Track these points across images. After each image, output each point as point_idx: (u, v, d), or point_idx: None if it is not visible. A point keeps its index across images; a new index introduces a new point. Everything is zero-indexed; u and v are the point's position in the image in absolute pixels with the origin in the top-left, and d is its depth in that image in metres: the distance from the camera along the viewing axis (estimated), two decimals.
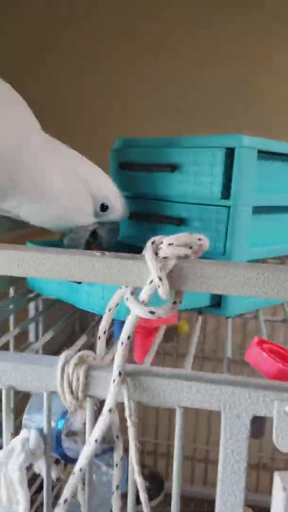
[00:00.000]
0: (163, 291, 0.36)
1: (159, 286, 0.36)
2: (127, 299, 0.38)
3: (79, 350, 0.42)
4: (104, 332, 0.44)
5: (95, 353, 0.41)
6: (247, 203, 0.59)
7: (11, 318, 0.67)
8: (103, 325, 0.43)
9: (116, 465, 0.46)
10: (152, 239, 0.37)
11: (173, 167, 0.60)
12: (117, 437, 0.45)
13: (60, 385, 0.39)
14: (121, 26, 1.15)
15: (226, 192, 0.58)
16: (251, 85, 1.10)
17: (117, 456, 0.45)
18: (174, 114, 1.15)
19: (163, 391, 0.38)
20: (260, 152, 0.59)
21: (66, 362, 0.40)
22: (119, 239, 0.70)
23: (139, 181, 0.66)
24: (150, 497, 1.01)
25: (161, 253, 0.36)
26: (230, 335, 0.56)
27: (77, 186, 0.57)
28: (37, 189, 0.55)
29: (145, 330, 0.57)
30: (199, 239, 0.37)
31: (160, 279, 0.36)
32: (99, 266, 0.38)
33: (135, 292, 0.38)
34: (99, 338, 0.44)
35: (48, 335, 0.54)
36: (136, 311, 0.37)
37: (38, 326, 0.75)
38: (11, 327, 0.66)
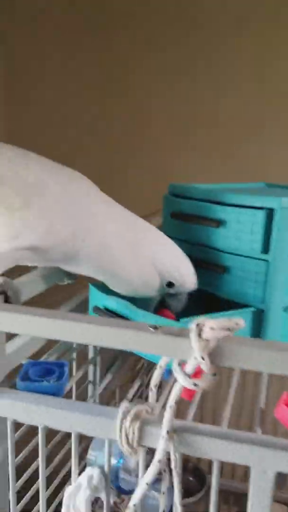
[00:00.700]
0: (205, 367, 0.43)
1: (202, 363, 0.43)
2: (175, 369, 0.45)
3: (135, 395, 0.49)
4: (155, 386, 0.52)
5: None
6: (285, 257, 0.64)
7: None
8: (155, 380, 0.51)
9: (163, 493, 0.54)
10: (197, 321, 0.44)
11: (218, 223, 0.66)
12: (164, 471, 0.53)
13: (119, 436, 0.47)
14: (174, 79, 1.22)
15: (265, 247, 0.64)
16: None
17: (164, 486, 0.53)
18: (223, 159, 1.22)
19: (203, 447, 0.46)
20: None
21: (124, 417, 0.48)
22: None
23: (187, 229, 0.73)
24: (193, 492, 1.10)
25: (204, 335, 0.43)
26: (265, 384, 0.62)
27: (145, 265, 0.61)
28: (105, 264, 0.61)
29: None
30: (237, 323, 0.44)
31: (203, 359, 0.43)
32: (152, 340, 0.46)
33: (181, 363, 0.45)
34: (151, 390, 0.52)
35: (106, 380, 0.62)
36: (182, 382, 0.44)
37: (96, 366, 0.81)
38: (74, 368, 0.75)
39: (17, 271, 0.69)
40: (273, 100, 1.19)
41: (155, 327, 0.47)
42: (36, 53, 1.32)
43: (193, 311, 0.76)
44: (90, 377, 0.82)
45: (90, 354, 0.80)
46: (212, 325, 0.43)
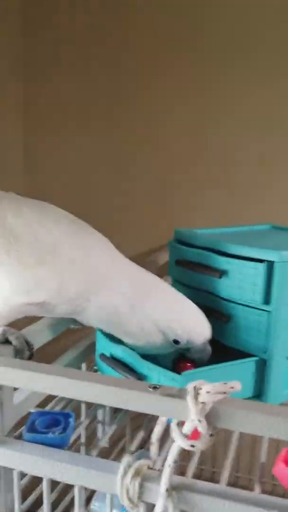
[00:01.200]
0: (202, 429, 0.45)
1: (198, 425, 0.45)
2: (173, 430, 0.47)
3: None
4: (157, 440, 0.53)
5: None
6: (286, 308, 0.66)
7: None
8: (156, 434, 0.53)
9: None
10: (193, 383, 0.46)
11: (220, 273, 0.68)
12: None
13: (120, 491, 0.49)
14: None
15: (267, 298, 0.65)
16: None
17: None
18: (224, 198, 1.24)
19: (202, 505, 0.47)
20: None
21: (125, 473, 0.49)
22: None
23: (192, 276, 0.75)
24: None
25: (200, 399, 0.45)
26: (266, 438, 0.63)
27: (145, 322, 0.63)
28: (109, 321, 0.63)
29: None
30: (232, 387, 0.46)
31: (200, 421, 0.45)
32: (151, 401, 0.47)
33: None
34: (152, 444, 0.53)
35: (111, 430, 0.64)
36: (179, 443, 0.46)
37: (105, 407, 0.83)
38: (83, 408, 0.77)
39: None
40: (282, 137, 1.21)
41: (155, 387, 0.49)
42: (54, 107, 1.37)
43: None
44: (100, 417, 0.84)
45: None
46: (208, 389, 0.45)
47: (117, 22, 1.28)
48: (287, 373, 0.69)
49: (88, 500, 0.67)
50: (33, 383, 0.50)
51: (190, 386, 0.46)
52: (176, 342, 0.64)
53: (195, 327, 0.65)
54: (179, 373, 0.60)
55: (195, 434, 0.47)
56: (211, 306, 0.72)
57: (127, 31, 1.28)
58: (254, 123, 1.22)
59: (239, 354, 0.68)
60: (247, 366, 0.66)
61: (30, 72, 1.38)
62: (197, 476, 1.33)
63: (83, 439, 0.75)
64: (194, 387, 0.46)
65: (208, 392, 0.45)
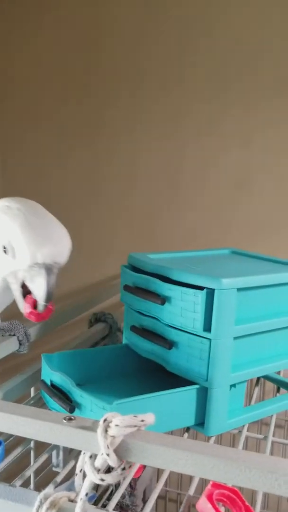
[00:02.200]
0: (110, 463, 0.44)
1: (107, 459, 0.44)
2: (85, 462, 0.46)
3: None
4: (81, 471, 0.52)
5: None
6: (227, 335, 0.65)
7: None
8: (80, 465, 0.52)
9: None
10: (105, 416, 0.45)
11: (163, 300, 0.68)
12: None
13: None
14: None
15: (207, 326, 0.65)
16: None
17: None
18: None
19: None
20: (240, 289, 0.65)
21: (40, 505, 0.48)
22: (125, 342, 0.80)
23: (139, 301, 0.74)
24: None
25: (110, 432, 0.45)
26: None
27: None
28: None
29: None
30: (142, 420, 0.45)
31: (108, 455, 0.44)
32: (64, 433, 0.47)
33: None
34: (76, 475, 0.52)
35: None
36: (89, 476, 0.45)
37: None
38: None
39: None
40: (258, 162, 1.21)
41: (70, 419, 0.48)
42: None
43: (149, 380, 0.78)
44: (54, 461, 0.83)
45: None
46: (117, 422, 0.45)
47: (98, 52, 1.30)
48: (231, 402, 0.68)
49: None
50: None
51: (102, 419, 0.46)
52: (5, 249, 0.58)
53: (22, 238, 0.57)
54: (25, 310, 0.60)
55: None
56: (156, 332, 0.72)
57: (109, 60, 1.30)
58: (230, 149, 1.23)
59: (186, 381, 0.68)
60: (188, 394, 0.66)
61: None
62: (163, 497, 1.32)
63: (32, 460, 0.73)
64: (105, 420, 0.45)
65: (117, 425, 0.44)
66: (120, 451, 0.45)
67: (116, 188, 1.33)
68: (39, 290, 0.58)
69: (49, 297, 0.58)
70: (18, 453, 0.67)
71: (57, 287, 0.60)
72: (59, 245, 0.58)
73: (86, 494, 0.47)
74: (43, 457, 0.71)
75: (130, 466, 0.46)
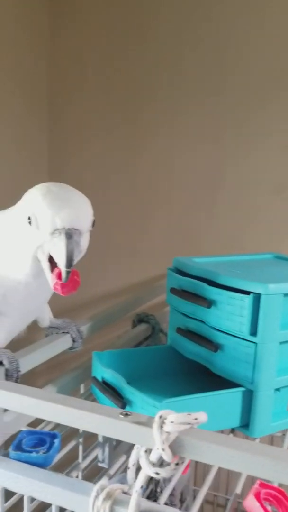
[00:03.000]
0: (165, 457, 0.47)
1: (163, 454, 0.47)
2: (140, 456, 0.49)
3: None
4: (133, 465, 0.55)
5: None
6: (273, 339, 0.67)
7: None
8: (133, 459, 0.55)
9: None
10: (160, 413, 0.48)
11: (209, 304, 0.70)
12: None
13: None
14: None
15: (253, 330, 0.67)
16: None
17: None
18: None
19: None
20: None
21: (97, 496, 0.51)
22: (169, 343, 0.82)
23: (185, 304, 0.77)
24: None
25: (165, 428, 0.47)
26: None
27: None
28: None
29: None
30: (196, 418, 0.48)
31: (163, 450, 0.47)
32: (120, 428, 0.50)
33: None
34: (129, 469, 0.55)
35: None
36: (144, 470, 0.48)
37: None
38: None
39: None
40: None
41: (126, 414, 0.51)
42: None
43: (194, 381, 0.80)
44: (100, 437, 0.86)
45: None
46: (172, 419, 0.47)
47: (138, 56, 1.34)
48: (275, 406, 0.70)
49: None
50: (11, 403, 0.54)
51: (157, 415, 0.48)
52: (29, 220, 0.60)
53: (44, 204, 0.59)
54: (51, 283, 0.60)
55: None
56: (201, 335, 0.74)
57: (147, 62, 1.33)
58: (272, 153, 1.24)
59: (230, 383, 0.70)
60: (233, 396, 0.68)
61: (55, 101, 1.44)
62: (211, 501, 1.34)
63: (80, 456, 0.77)
64: (160, 417, 0.48)
65: (172, 422, 0.47)
66: (174, 446, 0.47)
67: (156, 191, 1.36)
68: (59, 255, 0.58)
69: (69, 262, 0.58)
70: (71, 446, 0.70)
71: (80, 254, 0.60)
72: (77, 210, 0.60)
73: (141, 487, 0.49)
74: (91, 452, 0.75)
75: (182, 462, 0.49)
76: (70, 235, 0.58)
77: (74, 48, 1.40)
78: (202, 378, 0.80)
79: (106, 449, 0.86)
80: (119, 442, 0.89)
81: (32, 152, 1.41)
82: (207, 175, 1.30)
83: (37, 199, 0.60)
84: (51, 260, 0.60)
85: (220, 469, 0.74)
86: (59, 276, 0.59)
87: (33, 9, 1.35)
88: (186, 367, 0.83)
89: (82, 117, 1.42)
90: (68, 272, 0.58)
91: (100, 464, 0.87)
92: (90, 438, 0.83)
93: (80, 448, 0.81)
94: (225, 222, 1.29)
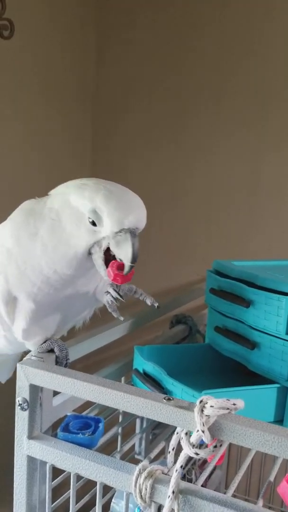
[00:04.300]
0: (205, 439, 0.51)
1: (202, 436, 0.51)
2: (181, 438, 0.53)
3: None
4: (173, 449, 0.59)
5: None
6: None
7: None
8: (172, 444, 0.59)
9: None
10: (201, 398, 0.52)
11: (248, 304, 0.74)
12: None
13: (134, 490, 0.55)
14: None
15: None
16: None
17: None
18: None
19: (204, 509, 0.52)
20: None
21: (139, 474, 0.56)
22: (207, 342, 0.86)
23: (224, 303, 0.80)
24: None
25: (205, 412, 0.51)
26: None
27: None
28: None
29: None
30: (234, 404, 0.51)
31: (203, 432, 0.51)
32: (164, 411, 0.54)
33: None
34: (169, 453, 0.59)
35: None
36: (185, 450, 0.52)
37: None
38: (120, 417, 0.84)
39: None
40: None
41: (169, 399, 0.55)
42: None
43: (230, 378, 0.83)
44: (137, 430, 0.90)
45: None
46: (212, 404, 0.51)
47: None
48: None
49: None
50: (65, 386, 0.59)
51: (198, 400, 0.52)
52: (93, 223, 0.64)
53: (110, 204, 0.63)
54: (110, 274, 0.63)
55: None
56: (239, 333, 0.77)
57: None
58: None
59: (266, 380, 0.73)
60: (268, 392, 0.70)
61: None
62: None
63: (119, 445, 0.81)
64: (201, 401, 0.52)
65: (212, 406, 0.51)
66: (213, 429, 0.51)
67: (195, 198, 1.40)
68: (126, 253, 0.62)
69: (135, 259, 0.63)
70: (110, 437, 0.74)
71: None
72: (139, 212, 0.64)
73: (181, 467, 0.53)
74: (128, 444, 0.79)
75: (221, 445, 0.52)
76: (134, 234, 0.63)
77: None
78: (237, 377, 0.84)
79: (143, 442, 0.91)
80: (155, 436, 0.93)
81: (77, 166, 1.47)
82: (246, 180, 1.33)
83: (100, 202, 0.63)
84: (105, 254, 0.65)
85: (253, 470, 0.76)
86: (118, 268, 0.64)
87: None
88: (222, 366, 0.86)
89: (127, 133, 1.48)
90: (131, 267, 0.63)
91: (136, 457, 0.92)
92: (127, 432, 0.87)
93: (119, 438, 0.85)
94: (263, 227, 1.32)
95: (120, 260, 0.63)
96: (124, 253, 0.63)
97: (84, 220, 0.63)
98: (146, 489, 0.55)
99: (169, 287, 1.41)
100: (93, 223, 0.63)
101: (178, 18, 1.37)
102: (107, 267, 0.64)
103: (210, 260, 0.91)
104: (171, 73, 1.40)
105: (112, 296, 0.70)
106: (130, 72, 1.46)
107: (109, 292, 0.70)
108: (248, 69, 1.30)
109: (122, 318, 0.71)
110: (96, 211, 0.63)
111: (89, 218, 0.63)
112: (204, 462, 1.02)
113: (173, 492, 0.53)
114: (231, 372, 0.85)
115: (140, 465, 0.56)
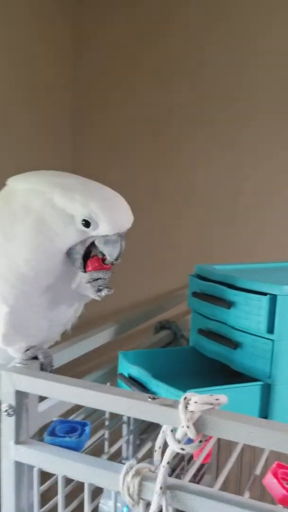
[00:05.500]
0: (190, 435, 0.52)
1: (187, 431, 0.52)
2: (167, 434, 0.54)
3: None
4: (159, 448, 0.60)
5: None
6: None
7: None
8: (158, 443, 0.60)
9: None
10: (185, 395, 0.53)
11: (229, 305, 0.76)
12: None
13: (122, 489, 0.56)
14: None
15: (270, 328, 0.72)
16: None
17: None
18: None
19: (193, 504, 0.53)
20: None
21: (127, 472, 0.56)
22: (191, 344, 0.87)
23: (206, 306, 0.82)
24: None
25: (190, 408, 0.52)
26: (267, 451, 0.68)
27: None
28: None
29: None
30: (217, 399, 0.52)
31: (188, 427, 0.52)
32: (149, 409, 0.55)
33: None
34: (155, 451, 0.60)
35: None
36: (171, 446, 0.53)
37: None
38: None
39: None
40: None
41: (153, 398, 0.56)
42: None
43: (214, 380, 0.85)
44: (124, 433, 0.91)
45: None
46: (196, 400, 0.52)
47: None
48: None
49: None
50: (51, 391, 0.59)
51: (182, 397, 0.53)
52: (87, 224, 0.65)
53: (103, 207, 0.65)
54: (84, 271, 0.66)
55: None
56: (221, 334, 0.79)
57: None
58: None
59: (249, 379, 0.75)
60: (252, 389, 0.72)
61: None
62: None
63: (106, 448, 0.81)
64: (185, 398, 0.53)
65: (195, 402, 0.52)
66: (198, 425, 0.52)
67: (174, 204, 1.42)
68: (113, 252, 0.66)
69: (119, 257, 0.67)
70: (97, 442, 0.74)
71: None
72: (129, 216, 0.68)
73: (168, 463, 0.54)
74: (116, 446, 0.79)
75: (206, 440, 0.54)
76: (122, 236, 0.67)
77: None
78: (221, 378, 0.85)
79: (130, 447, 0.91)
80: (142, 440, 0.94)
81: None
82: (227, 185, 1.35)
83: (95, 206, 0.64)
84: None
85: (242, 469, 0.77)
86: (99, 262, 0.67)
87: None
88: (207, 368, 0.88)
89: (105, 132, 1.50)
90: (113, 263, 0.67)
91: (124, 462, 0.92)
92: (114, 440, 0.87)
93: (106, 444, 0.85)
94: (243, 232, 1.34)
95: (103, 255, 0.67)
96: (110, 251, 0.66)
97: (74, 221, 0.65)
98: (134, 487, 0.56)
99: (153, 294, 1.43)
100: (86, 225, 0.65)
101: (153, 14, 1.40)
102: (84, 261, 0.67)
103: (192, 266, 0.93)
104: (151, 66, 1.42)
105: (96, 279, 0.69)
106: (108, 64, 1.48)
107: (92, 278, 0.69)
108: (228, 64, 1.33)
109: (112, 291, 0.70)
110: (91, 215, 0.64)
111: (83, 221, 0.65)
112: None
113: (161, 488, 0.54)
114: (216, 374, 0.87)
115: (127, 464, 0.57)
